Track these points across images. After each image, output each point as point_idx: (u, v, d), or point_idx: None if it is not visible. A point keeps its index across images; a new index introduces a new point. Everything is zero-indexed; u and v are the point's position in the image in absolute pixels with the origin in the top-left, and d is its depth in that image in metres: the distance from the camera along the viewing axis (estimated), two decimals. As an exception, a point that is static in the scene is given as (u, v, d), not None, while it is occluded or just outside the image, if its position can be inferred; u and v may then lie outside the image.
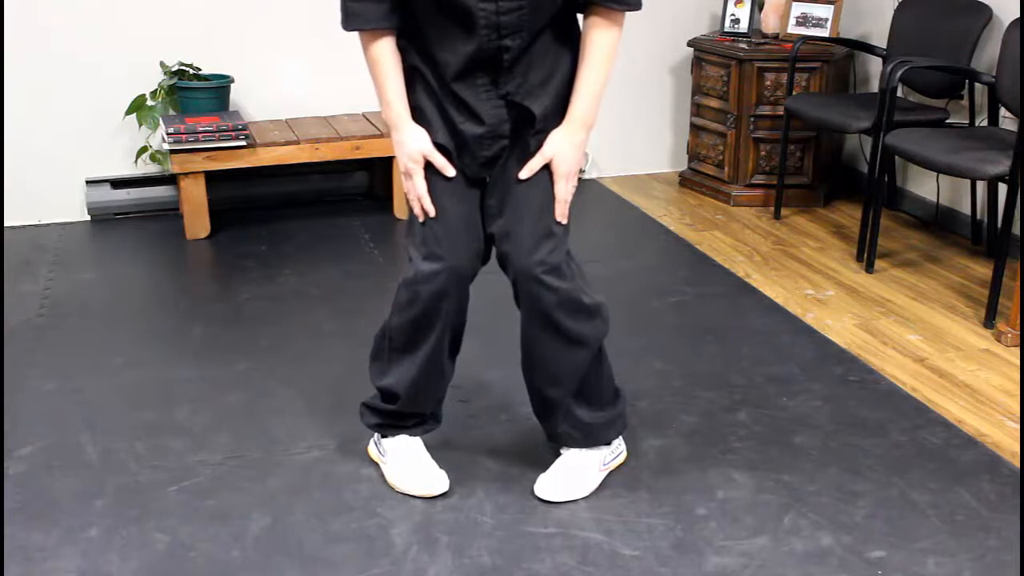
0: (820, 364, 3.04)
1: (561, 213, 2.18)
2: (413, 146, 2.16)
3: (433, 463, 2.43)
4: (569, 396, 2.34)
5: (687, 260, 3.91)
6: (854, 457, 2.56)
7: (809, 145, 4.42)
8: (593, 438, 2.41)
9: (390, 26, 2.10)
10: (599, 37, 2.10)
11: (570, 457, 2.43)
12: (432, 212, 2.18)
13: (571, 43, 2.16)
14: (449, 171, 2.17)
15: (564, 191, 2.18)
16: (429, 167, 2.17)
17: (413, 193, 2.19)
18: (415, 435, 2.46)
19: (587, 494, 2.39)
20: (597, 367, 2.35)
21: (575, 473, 2.40)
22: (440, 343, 2.29)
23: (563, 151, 2.15)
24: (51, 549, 2.22)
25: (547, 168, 2.17)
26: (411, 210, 2.24)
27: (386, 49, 2.12)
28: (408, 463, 2.42)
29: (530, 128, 2.15)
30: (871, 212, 3.76)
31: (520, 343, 2.33)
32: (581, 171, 2.26)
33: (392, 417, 2.43)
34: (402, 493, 2.40)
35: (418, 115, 2.17)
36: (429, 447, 2.48)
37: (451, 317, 2.27)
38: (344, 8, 2.10)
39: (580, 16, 2.17)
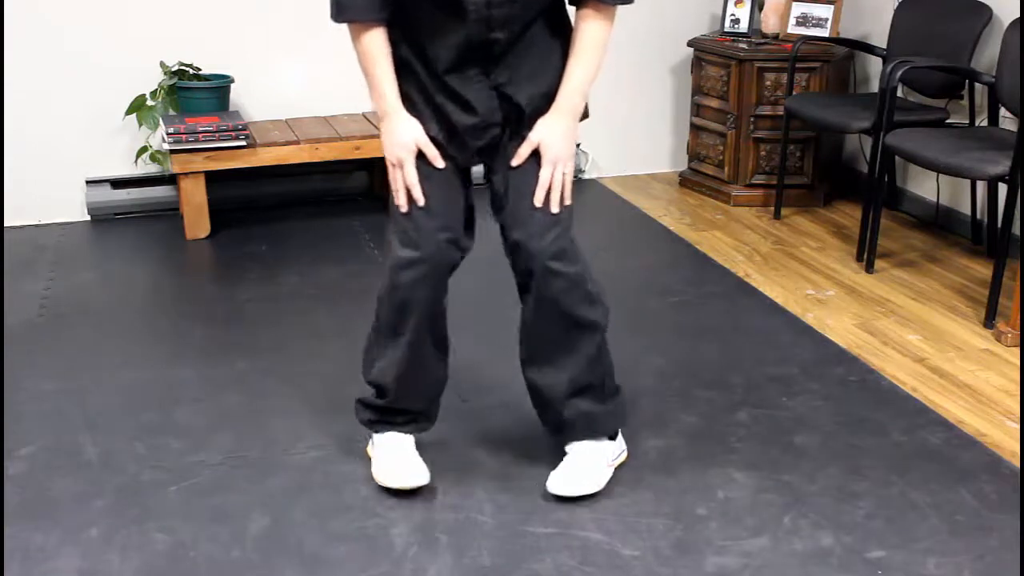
0: (820, 364, 3.04)
1: (540, 199, 2.19)
2: (406, 135, 2.18)
3: (417, 459, 2.42)
4: (570, 384, 2.34)
5: (687, 260, 3.91)
6: (854, 457, 2.56)
7: (809, 145, 4.41)
8: (596, 427, 2.41)
9: (381, 18, 2.12)
10: (589, 30, 2.14)
11: (579, 452, 2.42)
12: (422, 202, 2.20)
13: (562, 35, 2.19)
14: (439, 163, 2.21)
15: (548, 176, 2.19)
16: (419, 157, 2.20)
17: (402, 183, 2.21)
18: (405, 432, 2.46)
19: (600, 488, 2.38)
20: (599, 358, 2.36)
21: (586, 467, 2.39)
22: (419, 332, 2.30)
23: (550, 137, 2.18)
24: (51, 549, 2.22)
25: None
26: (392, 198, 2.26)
27: (377, 40, 2.14)
28: (390, 457, 2.42)
29: (523, 118, 2.18)
30: (871, 212, 3.76)
31: (521, 333, 2.34)
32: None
33: (383, 413, 2.44)
34: (381, 486, 2.39)
35: (409, 106, 2.20)
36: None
37: (428, 305, 2.28)
38: (334, 0, 2.12)
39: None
